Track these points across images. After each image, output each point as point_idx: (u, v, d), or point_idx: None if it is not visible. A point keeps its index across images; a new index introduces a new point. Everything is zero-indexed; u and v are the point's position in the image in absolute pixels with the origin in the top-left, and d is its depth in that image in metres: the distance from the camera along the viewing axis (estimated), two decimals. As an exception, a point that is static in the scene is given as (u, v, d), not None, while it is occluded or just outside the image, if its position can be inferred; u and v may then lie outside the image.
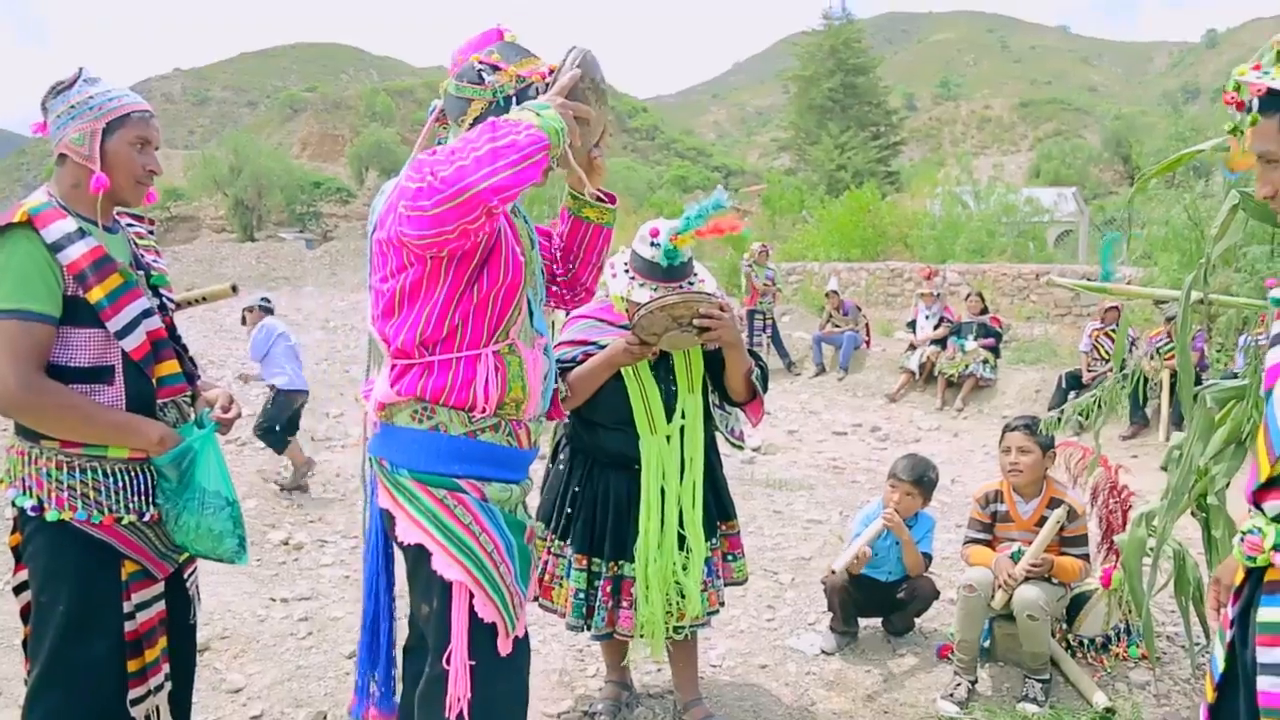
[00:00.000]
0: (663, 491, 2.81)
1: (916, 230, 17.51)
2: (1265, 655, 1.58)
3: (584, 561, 2.90)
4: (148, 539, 2.11)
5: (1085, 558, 3.40)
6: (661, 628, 2.84)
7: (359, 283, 31.11)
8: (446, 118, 2.03)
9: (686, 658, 3.12)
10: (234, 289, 2.79)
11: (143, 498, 2.08)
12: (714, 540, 3.01)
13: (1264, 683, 1.58)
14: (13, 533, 2.10)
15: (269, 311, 6.81)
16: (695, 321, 2.62)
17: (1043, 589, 3.26)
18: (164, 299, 2.21)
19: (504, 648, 1.95)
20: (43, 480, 1.99)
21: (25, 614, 2.08)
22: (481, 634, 1.92)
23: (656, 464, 2.80)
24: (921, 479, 3.74)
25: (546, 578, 2.98)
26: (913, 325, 11.11)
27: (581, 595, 2.90)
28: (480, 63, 1.96)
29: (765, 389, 3.00)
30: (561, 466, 3.04)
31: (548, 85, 1.91)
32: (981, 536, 3.55)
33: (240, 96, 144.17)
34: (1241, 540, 1.60)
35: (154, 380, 2.09)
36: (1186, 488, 2.75)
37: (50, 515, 1.98)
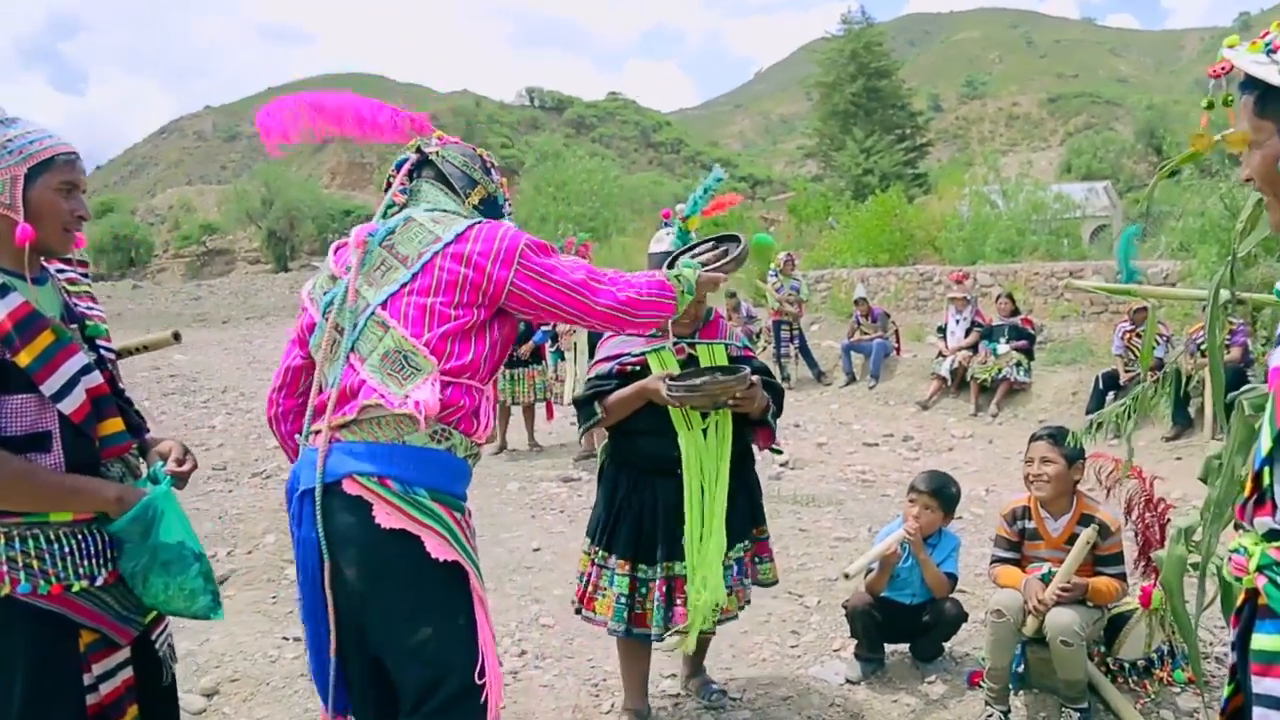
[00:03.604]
0: (702, 488, 2.97)
1: (945, 232, 17.21)
2: (1258, 685, 1.42)
3: (626, 567, 3.06)
4: (105, 604, 1.95)
5: (1122, 577, 3.20)
6: (705, 617, 2.97)
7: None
8: (421, 171, 2.31)
9: (700, 646, 3.38)
10: (176, 337, 2.60)
11: (93, 561, 1.92)
12: (746, 542, 3.18)
13: (1257, 715, 1.42)
14: None
15: None
16: (730, 401, 2.93)
17: (1077, 612, 3.05)
18: (102, 351, 2.06)
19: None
20: None
21: None
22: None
23: (695, 459, 2.97)
24: (940, 490, 3.56)
25: (590, 589, 3.14)
26: (943, 331, 10.86)
27: (624, 599, 3.04)
28: (482, 155, 2.35)
29: (779, 414, 3.23)
30: (609, 484, 3.19)
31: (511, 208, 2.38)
32: (1009, 556, 3.35)
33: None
34: (1227, 559, 1.44)
35: (96, 441, 1.95)
36: (1229, 501, 2.56)
37: None
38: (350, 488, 1.97)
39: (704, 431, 3.01)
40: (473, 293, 2.07)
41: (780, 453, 3.42)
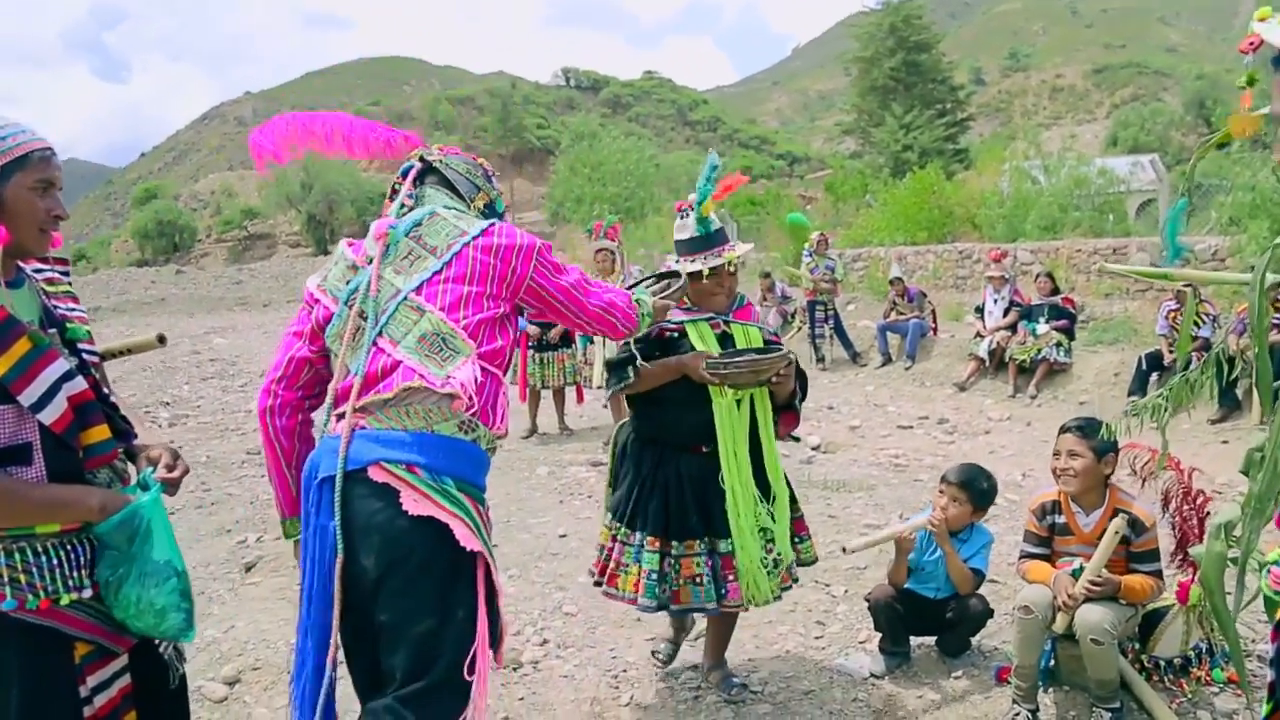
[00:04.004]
0: (735, 456, 3.03)
1: (985, 209, 16.86)
2: None
3: (656, 544, 3.07)
4: (97, 613, 1.89)
5: (1157, 574, 3.06)
6: (764, 575, 3.03)
7: (427, 291, 31.47)
8: (425, 178, 2.39)
9: (722, 629, 3.39)
10: (160, 339, 2.51)
11: (83, 572, 1.86)
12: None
13: None
14: None
15: None
16: (773, 379, 3.05)
17: (1109, 609, 2.93)
18: (84, 354, 1.97)
19: (500, 661, 2.17)
20: None
21: None
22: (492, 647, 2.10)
23: (729, 427, 3.02)
24: (969, 483, 3.44)
25: (612, 565, 3.18)
26: (981, 311, 10.64)
27: (655, 576, 3.06)
28: (482, 164, 2.48)
29: (804, 398, 3.32)
30: (634, 460, 3.23)
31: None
32: (1038, 551, 3.23)
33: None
34: (1266, 572, 1.33)
35: (80, 451, 1.87)
36: (1272, 495, 2.42)
37: None
38: (377, 475, 1.98)
39: (737, 403, 3.05)
40: (499, 284, 2.17)
41: (798, 440, 3.46)
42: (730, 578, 3.07)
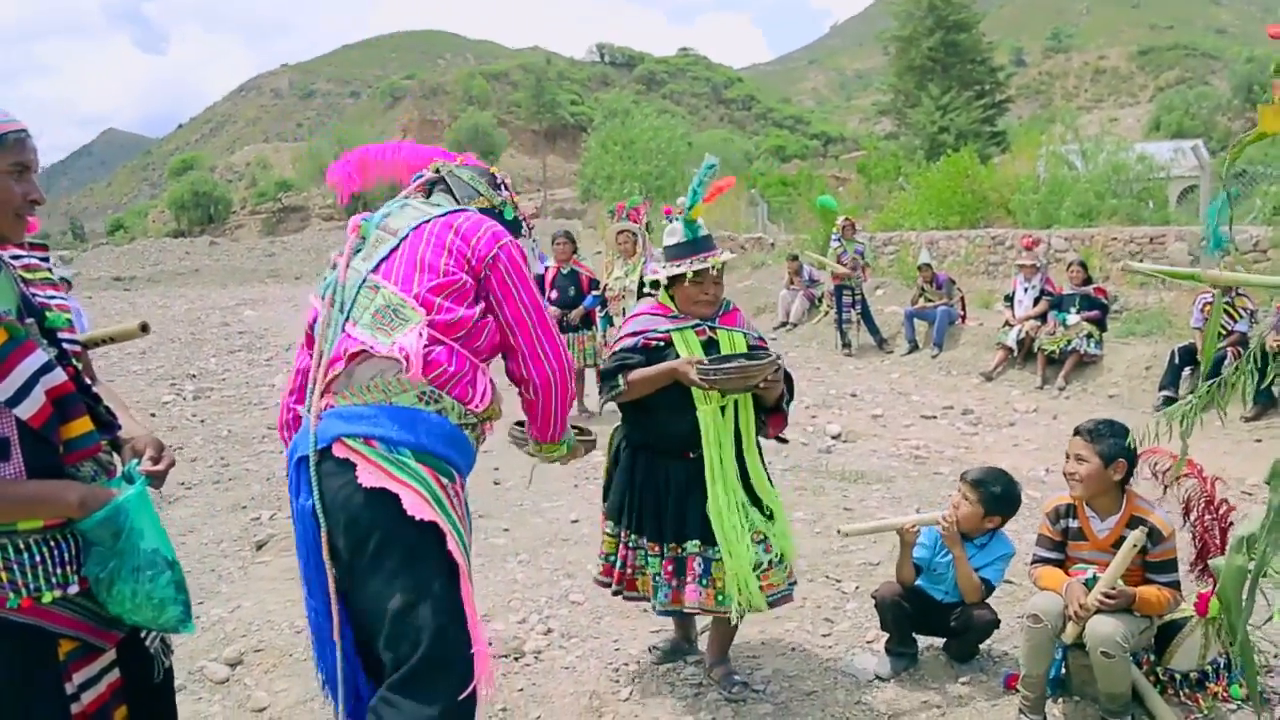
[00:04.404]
0: (721, 462, 3.07)
1: (1019, 194, 16.52)
2: None
3: (657, 548, 3.17)
4: (85, 610, 1.85)
5: (1174, 586, 2.93)
6: (753, 580, 3.06)
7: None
8: (434, 189, 2.44)
9: (725, 625, 3.33)
10: (144, 328, 2.48)
11: (67, 568, 1.81)
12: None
13: None
14: None
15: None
16: (761, 385, 3.03)
17: (1122, 621, 2.81)
18: (65, 344, 1.91)
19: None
20: None
21: None
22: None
23: (715, 433, 3.06)
24: (981, 484, 3.33)
25: (629, 571, 3.26)
26: (1010, 299, 10.43)
27: (659, 579, 3.17)
28: (496, 173, 2.50)
29: (791, 399, 3.33)
30: (627, 465, 3.28)
31: (531, 224, 2.61)
32: (1051, 556, 3.12)
33: (344, 88, 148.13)
34: None
35: (60, 446, 1.81)
36: (1295, 508, 2.31)
37: None
38: (339, 450, 2.01)
39: (721, 409, 3.09)
40: (459, 258, 2.15)
41: (786, 441, 3.47)
42: (690, 580, 3.13)
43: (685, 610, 3.20)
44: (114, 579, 1.82)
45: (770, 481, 3.28)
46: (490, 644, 3.80)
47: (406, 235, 2.19)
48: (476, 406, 2.11)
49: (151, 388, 10.38)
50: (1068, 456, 3.02)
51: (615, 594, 3.35)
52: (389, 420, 1.99)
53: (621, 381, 3.11)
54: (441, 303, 2.10)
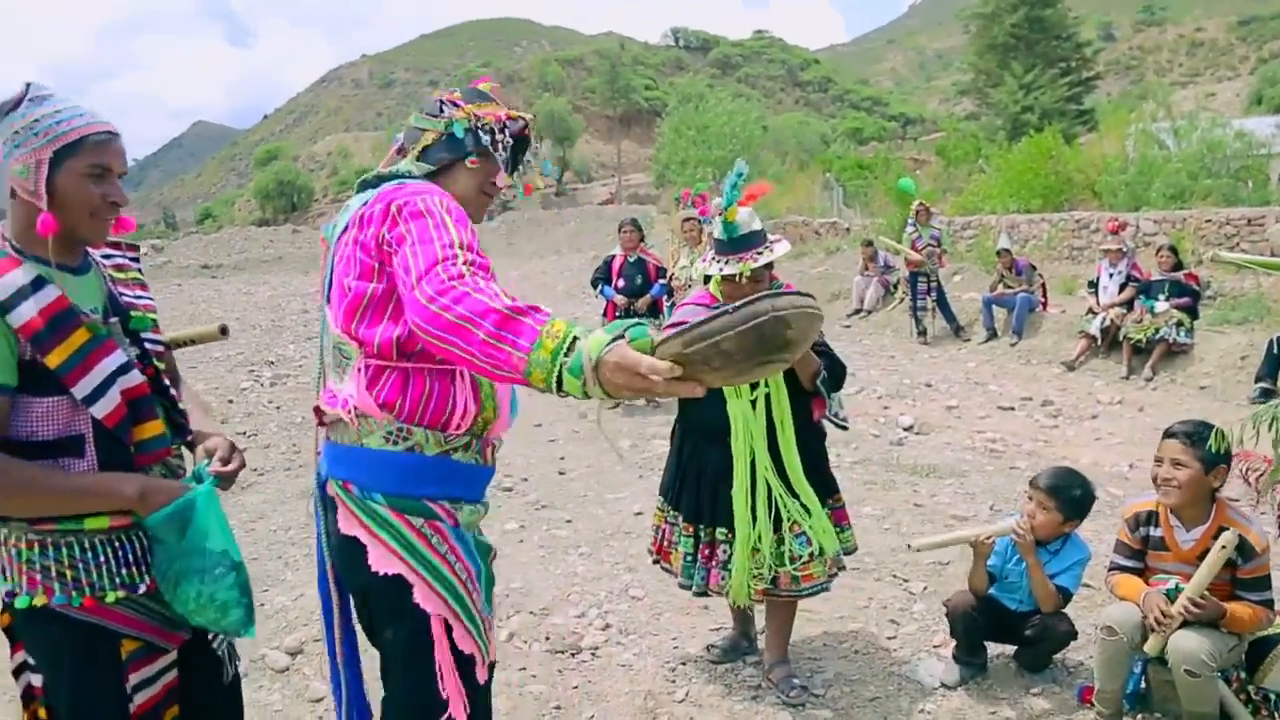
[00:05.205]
0: (753, 456, 3.09)
1: (1106, 176, 15.88)
2: None
3: (691, 529, 3.27)
4: (149, 610, 1.86)
5: (1267, 604, 2.72)
6: (744, 582, 3.13)
7: (533, 252, 31.75)
8: (406, 149, 2.04)
9: (781, 623, 3.36)
10: (223, 330, 2.51)
11: (133, 569, 1.82)
12: (825, 510, 3.19)
13: None
14: (2, 612, 1.86)
15: None
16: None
17: (1208, 637, 2.63)
18: (147, 344, 1.92)
19: (481, 676, 1.95)
20: (14, 561, 1.75)
21: (26, 697, 1.87)
22: (460, 664, 1.91)
23: (744, 427, 3.08)
24: (1057, 489, 3.15)
25: (665, 543, 3.39)
26: (1095, 286, 10.01)
27: (690, 558, 3.27)
28: (441, 99, 2.03)
29: (837, 386, 3.22)
30: (676, 445, 3.40)
31: (504, 127, 2.00)
32: (1130, 564, 2.93)
33: (422, 77, 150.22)
34: None
35: (131, 446, 1.82)
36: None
37: (20, 601, 1.75)
38: (329, 489, 1.95)
39: (753, 403, 3.09)
40: (366, 257, 1.82)
41: (845, 427, 3.35)
42: (715, 565, 3.21)
43: (711, 592, 3.26)
44: (180, 579, 1.82)
45: (829, 475, 3.29)
46: (548, 638, 3.85)
47: (334, 254, 1.92)
48: (458, 427, 1.88)
49: (231, 374, 10.65)
50: (1159, 461, 2.83)
51: (654, 562, 3.49)
52: (360, 463, 1.88)
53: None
54: (359, 325, 1.84)
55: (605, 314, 8.43)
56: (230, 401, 9.14)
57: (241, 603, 1.87)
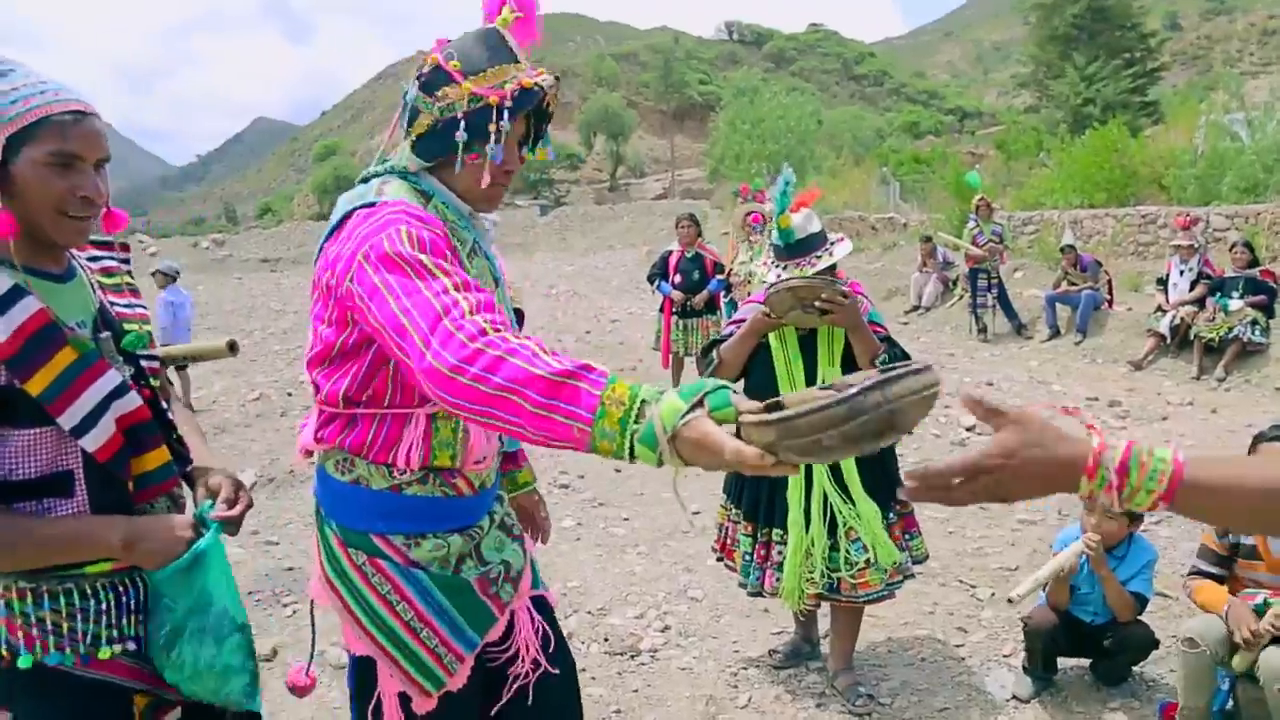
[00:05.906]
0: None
1: (1174, 169, 15.41)
2: None
3: (750, 528, 3.28)
4: (148, 659, 1.61)
5: None
6: (795, 586, 3.12)
7: (587, 247, 31.80)
8: (408, 129, 1.73)
9: (845, 628, 3.33)
10: (232, 347, 2.20)
11: (133, 618, 1.57)
12: (891, 516, 3.16)
13: None
14: None
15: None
16: (816, 304, 2.93)
17: (1303, 654, 2.52)
18: (142, 362, 1.65)
19: (421, 707, 1.73)
20: (4, 617, 1.49)
21: None
22: (402, 699, 1.74)
23: None
24: None
25: (729, 541, 3.40)
26: (1164, 283, 9.71)
27: (748, 557, 3.29)
28: (440, 65, 1.65)
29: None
30: None
31: (510, 109, 1.62)
32: (1214, 571, 2.81)
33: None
34: None
35: (130, 482, 1.56)
36: None
37: (23, 661, 1.48)
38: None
39: None
40: (338, 306, 1.59)
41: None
42: (769, 566, 3.22)
43: (765, 594, 3.26)
44: (175, 641, 1.57)
45: (899, 479, 3.14)
46: (607, 640, 3.82)
47: (317, 258, 1.68)
48: (409, 465, 1.66)
49: (290, 367, 10.82)
50: None
51: (718, 560, 3.50)
52: (323, 485, 1.76)
53: (715, 355, 3.18)
54: (320, 377, 1.68)
55: (662, 309, 8.39)
56: (290, 394, 9.30)
57: (245, 668, 1.64)
